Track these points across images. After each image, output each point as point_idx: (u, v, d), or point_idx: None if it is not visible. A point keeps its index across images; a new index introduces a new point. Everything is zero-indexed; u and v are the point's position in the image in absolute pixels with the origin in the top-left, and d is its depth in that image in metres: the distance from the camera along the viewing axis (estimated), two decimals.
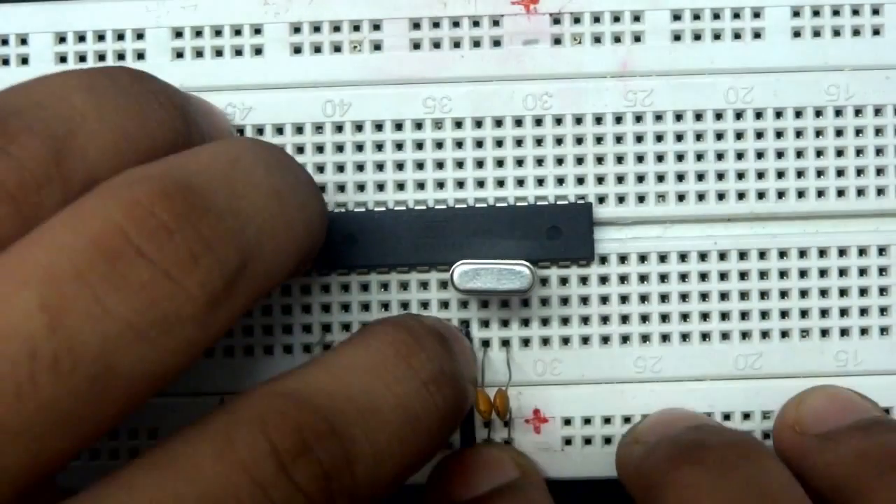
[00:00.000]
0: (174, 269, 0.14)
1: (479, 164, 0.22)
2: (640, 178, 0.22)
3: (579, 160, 0.22)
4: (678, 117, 0.22)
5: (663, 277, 0.22)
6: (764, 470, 0.18)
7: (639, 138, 0.22)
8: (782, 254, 0.22)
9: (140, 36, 0.22)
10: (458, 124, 0.22)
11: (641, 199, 0.22)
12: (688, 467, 0.18)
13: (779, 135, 0.22)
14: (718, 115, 0.22)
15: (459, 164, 0.22)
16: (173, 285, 0.14)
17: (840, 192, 0.22)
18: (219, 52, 0.22)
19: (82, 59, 0.22)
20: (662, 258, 0.22)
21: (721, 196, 0.22)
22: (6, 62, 0.22)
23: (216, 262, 0.15)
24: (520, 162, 0.22)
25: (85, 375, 0.13)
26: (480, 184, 0.22)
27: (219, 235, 0.15)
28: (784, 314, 0.22)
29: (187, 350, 0.15)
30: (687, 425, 0.20)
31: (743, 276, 0.22)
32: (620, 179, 0.22)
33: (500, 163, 0.22)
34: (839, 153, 0.22)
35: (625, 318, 0.22)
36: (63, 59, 0.22)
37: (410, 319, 0.20)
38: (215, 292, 0.15)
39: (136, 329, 0.14)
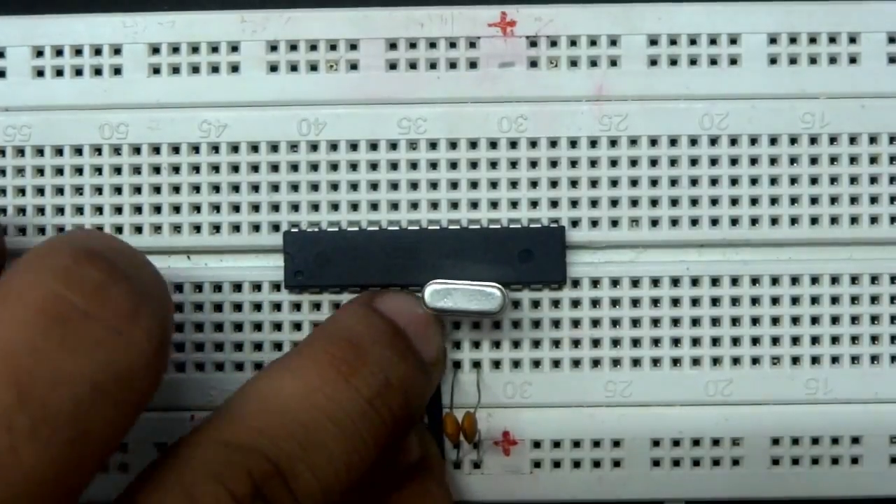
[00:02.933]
0: (120, 323, 0.15)
1: (454, 185, 0.22)
2: (614, 203, 0.22)
3: (553, 183, 0.22)
4: (653, 142, 0.22)
5: (635, 302, 0.22)
6: None
7: (613, 163, 0.22)
8: (754, 280, 0.22)
9: (117, 51, 0.22)
10: (433, 145, 0.22)
11: (615, 223, 0.22)
12: None
13: (753, 161, 0.22)
14: (693, 141, 0.22)
15: (433, 186, 0.22)
16: (123, 339, 0.15)
17: (814, 220, 0.22)
18: (195, 69, 0.22)
19: (59, 73, 0.22)
20: (635, 283, 0.22)
21: (694, 222, 0.22)
22: None
23: (154, 310, 0.15)
24: (494, 184, 0.22)
25: (63, 440, 0.14)
26: (454, 205, 0.22)
27: (151, 283, 0.16)
28: (755, 341, 0.22)
29: (145, 401, 0.15)
30: None
31: (715, 302, 0.22)
32: (594, 203, 0.22)
33: (474, 185, 0.22)
34: (813, 181, 0.22)
35: (596, 342, 0.22)
36: (40, 73, 0.22)
37: (356, 321, 0.19)
38: (161, 339, 0.15)
39: (100, 388, 0.14)
